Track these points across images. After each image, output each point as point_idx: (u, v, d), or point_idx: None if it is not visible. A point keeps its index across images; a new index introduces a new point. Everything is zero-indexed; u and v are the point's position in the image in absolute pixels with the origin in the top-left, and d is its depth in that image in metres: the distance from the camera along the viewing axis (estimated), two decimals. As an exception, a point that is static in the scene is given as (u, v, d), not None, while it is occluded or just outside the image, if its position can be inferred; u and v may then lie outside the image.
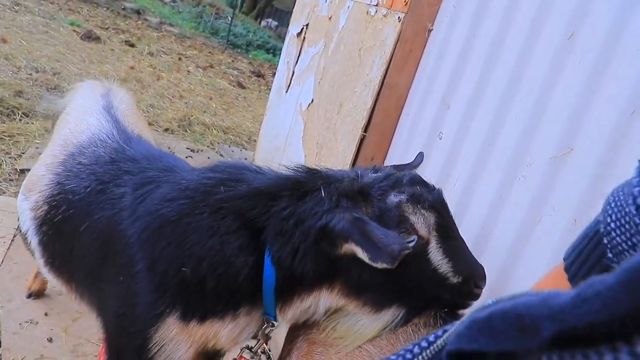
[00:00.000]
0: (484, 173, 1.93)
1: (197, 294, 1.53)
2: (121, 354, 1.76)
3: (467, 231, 1.93)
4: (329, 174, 1.57)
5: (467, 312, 0.86)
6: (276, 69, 4.35)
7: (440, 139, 2.21)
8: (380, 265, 1.31)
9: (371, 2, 2.74)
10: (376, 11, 2.68)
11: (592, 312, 0.40)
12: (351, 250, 1.38)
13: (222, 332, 1.60)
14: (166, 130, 6.70)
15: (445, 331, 0.62)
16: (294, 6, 4.16)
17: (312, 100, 3.30)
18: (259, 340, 1.71)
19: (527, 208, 1.70)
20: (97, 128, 2.14)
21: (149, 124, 6.72)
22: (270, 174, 1.60)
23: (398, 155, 2.50)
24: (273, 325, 1.61)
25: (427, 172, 2.24)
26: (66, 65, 7.58)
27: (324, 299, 1.51)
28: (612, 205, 0.76)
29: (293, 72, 3.81)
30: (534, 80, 1.78)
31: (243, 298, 1.56)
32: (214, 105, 8.54)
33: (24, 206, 2.12)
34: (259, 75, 13.25)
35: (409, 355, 0.65)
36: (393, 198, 1.47)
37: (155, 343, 1.59)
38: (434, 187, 1.56)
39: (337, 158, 2.78)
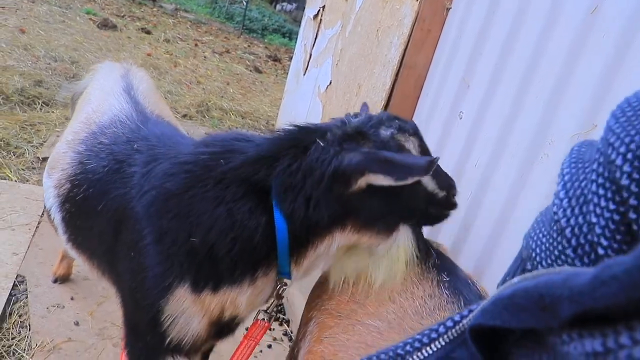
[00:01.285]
0: (505, 152, 1.91)
1: (207, 263, 1.56)
2: (137, 328, 1.81)
3: (488, 210, 1.93)
4: (318, 127, 1.63)
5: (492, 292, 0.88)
6: (292, 53, 4.34)
7: (461, 118, 2.19)
8: (410, 180, 1.44)
9: (388, -19, 2.72)
10: (393, -9, 2.66)
11: (609, 295, 0.40)
12: (366, 183, 1.47)
13: (241, 298, 1.64)
14: (184, 116, 6.73)
15: (470, 311, 0.63)
16: (309, -11, 4.13)
17: (330, 82, 3.29)
18: (273, 300, 1.74)
19: (549, 187, 1.69)
20: (118, 109, 2.18)
21: (167, 110, 6.75)
22: (262, 139, 1.63)
23: (418, 135, 2.49)
24: (286, 285, 1.67)
25: (447, 152, 2.23)
26: (84, 54, 7.63)
27: (336, 240, 1.58)
28: (535, 239, 0.70)
29: (310, 55, 3.80)
30: (556, 56, 1.76)
31: (259, 260, 1.59)
32: (231, 91, 8.55)
33: (48, 183, 2.17)
34: (276, 59, 13.23)
35: (434, 335, 0.66)
36: (384, 132, 1.57)
37: (167, 315, 1.63)
38: (406, 119, 1.69)
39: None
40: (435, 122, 2.36)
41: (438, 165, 1.65)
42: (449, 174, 2.11)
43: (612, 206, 0.56)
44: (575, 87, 1.66)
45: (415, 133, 1.63)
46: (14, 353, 2.59)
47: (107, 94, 2.31)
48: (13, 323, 2.74)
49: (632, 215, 0.52)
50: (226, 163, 1.58)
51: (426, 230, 1.98)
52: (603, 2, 1.61)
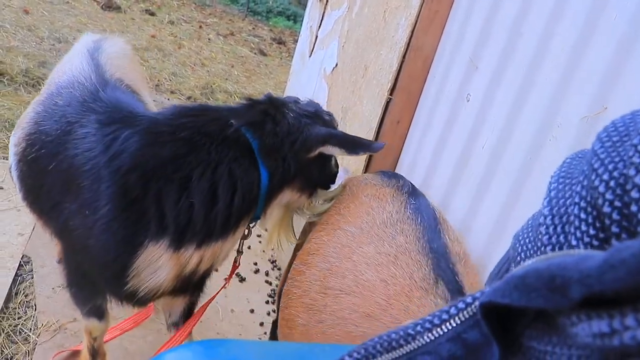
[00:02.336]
0: (513, 134, 1.90)
1: (201, 221, 1.75)
2: (86, 277, 2.02)
3: (496, 194, 1.92)
4: (280, 99, 2.04)
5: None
6: (297, 36, 4.32)
7: (468, 100, 2.18)
8: (361, 154, 2.01)
9: (395, -38, 2.69)
10: (401, -29, 2.63)
11: (617, 279, 0.41)
12: (320, 152, 1.95)
13: (223, 250, 1.91)
14: (189, 98, 6.72)
15: (482, 293, 0.63)
16: (315, -30, 4.09)
17: (337, 65, 3.27)
18: (242, 242, 2.14)
19: (558, 169, 1.67)
20: (78, 70, 2.20)
21: (172, 92, 6.74)
22: (238, 107, 1.95)
23: (425, 117, 2.47)
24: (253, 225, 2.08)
25: (455, 134, 2.22)
26: (88, 35, 7.60)
27: (286, 195, 2.01)
28: (522, 243, 0.72)
29: (316, 37, 3.77)
30: (566, 37, 1.74)
31: (246, 211, 1.88)
32: (235, 73, 8.52)
33: (12, 141, 2.21)
34: (280, 42, 13.15)
35: (445, 316, 0.66)
36: (327, 117, 2.08)
37: (133, 269, 1.78)
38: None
39: (362, 122, 2.76)
40: (443, 104, 2.34)
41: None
42: (456, 156, 2.12)
43: (592, 231, 0.56)
44: (585, 68, 1.65)
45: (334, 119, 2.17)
46: (20, 332, 2.61)
47: (73, 55, 2.38)
48: (19, 303, 2.76)
49: (615, 243, 0.52)
50: (221, 130, 1.81)
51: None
52: (616, -19, 1.58)
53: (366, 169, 2.63)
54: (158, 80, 6.85)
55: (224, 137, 1.78)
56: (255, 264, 3.68)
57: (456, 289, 1.44)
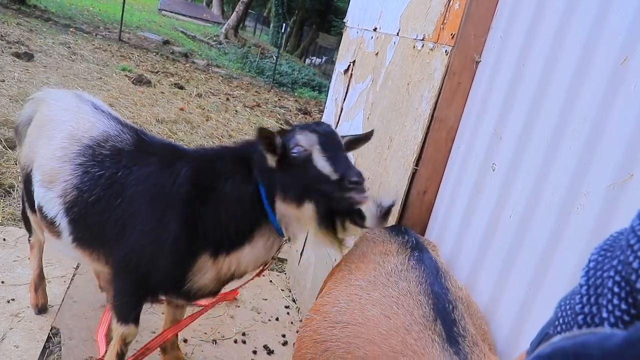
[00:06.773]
0: (540, 203, 1.90)
1: (226, 234, 2.29)
2: (144, 283, 2.40)
3: (525, 263, 1.90)
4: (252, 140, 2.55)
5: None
6: (322, 106, 4.41)
7: (494, 170, 2.19)
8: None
9: (417, 36, 2.77)
10: (423, 45, 2.70)
11: (636, 355, 0.42)
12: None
13: (243, 256, 2.35)
14: (216, 169, 6.81)
15: None
16: (337, 43, 4.21)
17: (362, 136, 3.32)
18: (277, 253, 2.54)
19: (587, 238, 1.66)
20: (104, 125, 2.55)
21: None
22: (236, 147, 2.51)
23: (451, 187, 2.49)
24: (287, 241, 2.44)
25: (481, 204, 2.22)
26: (119, 109, 7.84)
27: (279, 207, 2.26)
28: (562, 309, 0.74)
29: (341, 109, 3.85)
30: (587, 107, 1.76)
31: (256, 221, 2.31)
32: (262, 144, 8.64)
33: (50, 195, 2.48)
34: (306, 112, 13.38)
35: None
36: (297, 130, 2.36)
37: (190, 273, 2.32)
38: (327, 124, 2.36)
39: (388, 192, 2.78)
40: (468, 174, 2.36)
41: (341, 157, 2.18)
42: (484, 225, 2.11)
43: (624, 306, 0.57)
44: (608, 137, 1.66)
45: (316, 131, 2.31)
46: (47, 406, 2.59)
47: (79, 113, 2.64)
48: (47, 376, 2.75)
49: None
50: (231, 163, 2.39)
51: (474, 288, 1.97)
52: (633, 52, 1.62)
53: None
54: (186, 152, 6.98)
55: (233, 169, 2.34)
56: (284, 336, 3.64)
57: (453, 328, 1.63)
